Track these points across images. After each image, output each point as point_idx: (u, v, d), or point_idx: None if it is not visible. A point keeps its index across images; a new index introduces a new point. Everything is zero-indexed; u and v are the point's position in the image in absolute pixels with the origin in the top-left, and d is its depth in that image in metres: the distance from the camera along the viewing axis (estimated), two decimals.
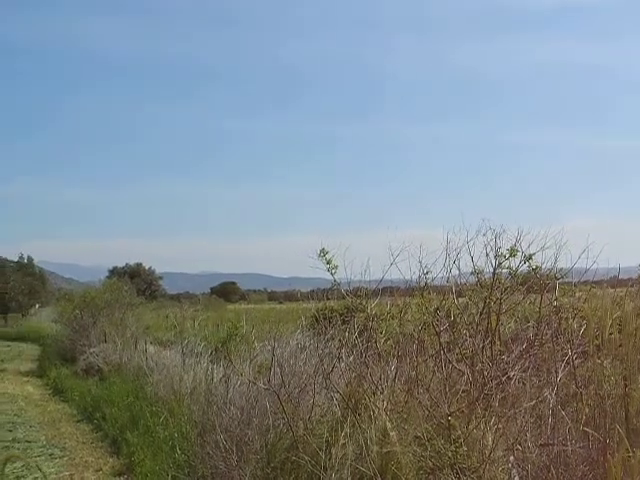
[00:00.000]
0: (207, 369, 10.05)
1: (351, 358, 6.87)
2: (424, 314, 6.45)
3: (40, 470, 9.23)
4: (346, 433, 5.71)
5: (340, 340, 7.18)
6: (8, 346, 33.00)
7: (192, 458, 7.56)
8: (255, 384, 7.06)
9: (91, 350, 18.25)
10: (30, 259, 55.46)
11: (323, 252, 6.67)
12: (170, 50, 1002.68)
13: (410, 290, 6.87)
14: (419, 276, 6.57)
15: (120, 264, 77.97)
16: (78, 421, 13.02)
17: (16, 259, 54.34)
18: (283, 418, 6.44)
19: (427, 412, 5.69)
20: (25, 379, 19.92)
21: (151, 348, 15.07)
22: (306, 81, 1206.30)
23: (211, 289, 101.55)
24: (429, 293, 6.64)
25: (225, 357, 10.13)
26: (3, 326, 46.16)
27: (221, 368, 9.70)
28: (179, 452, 8.07)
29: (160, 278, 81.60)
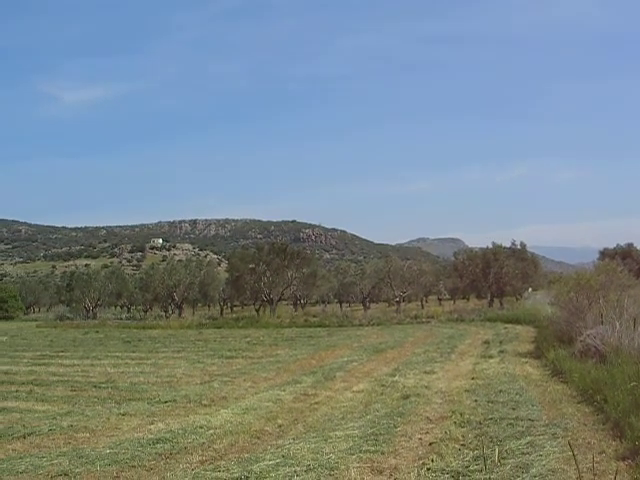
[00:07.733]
0: None
1: None
2: None
3: (544, 448, 9.33)
4: None
5: None
6: (505, 328, 34.66)
7: None
8: None
9: (587, 332, 17.92)
10: (523, 244, 57.16)
11: None
12: None
13: None
14: None
15: (610, 245, 76.06)
16: (578, 402, 12.90)
17: (509, 245, 56.43)
18: None
19: None
20: (524, 360, 20.53)
21: None
22: None
23: None
24: None
25: None
26: (499, 309, 48.33)
27: None
28: None
29: None
